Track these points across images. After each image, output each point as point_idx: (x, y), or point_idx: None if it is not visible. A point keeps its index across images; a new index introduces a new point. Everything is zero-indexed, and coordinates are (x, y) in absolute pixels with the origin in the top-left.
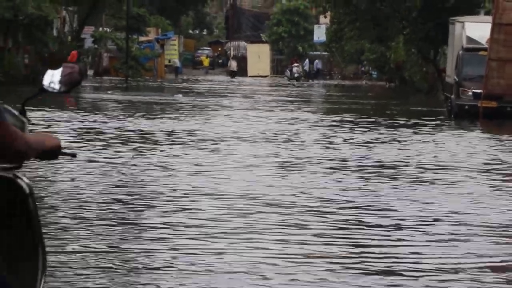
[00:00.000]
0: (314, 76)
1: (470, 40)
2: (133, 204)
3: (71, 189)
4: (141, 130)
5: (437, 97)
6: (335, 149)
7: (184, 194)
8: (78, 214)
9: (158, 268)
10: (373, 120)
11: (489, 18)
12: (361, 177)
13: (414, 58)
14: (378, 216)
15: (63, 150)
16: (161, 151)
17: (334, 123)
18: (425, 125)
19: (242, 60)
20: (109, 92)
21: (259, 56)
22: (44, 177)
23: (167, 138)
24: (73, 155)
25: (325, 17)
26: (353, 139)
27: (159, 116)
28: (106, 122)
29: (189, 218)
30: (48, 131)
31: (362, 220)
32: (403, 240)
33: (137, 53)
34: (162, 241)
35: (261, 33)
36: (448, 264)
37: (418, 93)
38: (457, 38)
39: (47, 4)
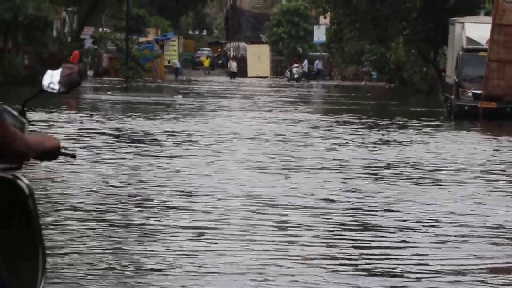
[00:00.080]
0: (315, 76)
1: (470, 40)
2: (133, 205)
3: (71, 190)
4: (141, 131)
5: (437, 98)
6: (336, 149)
7: (184, 194)
8: (78, 215)
9: (159, 270)
10: (373, 120)
11: (489, 19)
12: (362, 178)
13: (414, 58)
14: (379, 217)
15: (63, 151)
16: (161, 151)
17: (335, 124)
18: (425, 125)
19: (242, 61)
20: (108, 92)
21: (259, 57)
22: (44, 178)
23: (167, 139)
24: (73, 156)
25: (325, 17)
26: (353, 139)
27: (158, 117)
28: (105, 123)
29: (190, 219)
30: (48, 131)
31: (363, 221)
32: (405, 241)
33: (136, 54)
34: (162, 242)
35: (261, 33)
36: (450, 266)
37: (418, 94)
38: (457, 38)
39: (47, 5)
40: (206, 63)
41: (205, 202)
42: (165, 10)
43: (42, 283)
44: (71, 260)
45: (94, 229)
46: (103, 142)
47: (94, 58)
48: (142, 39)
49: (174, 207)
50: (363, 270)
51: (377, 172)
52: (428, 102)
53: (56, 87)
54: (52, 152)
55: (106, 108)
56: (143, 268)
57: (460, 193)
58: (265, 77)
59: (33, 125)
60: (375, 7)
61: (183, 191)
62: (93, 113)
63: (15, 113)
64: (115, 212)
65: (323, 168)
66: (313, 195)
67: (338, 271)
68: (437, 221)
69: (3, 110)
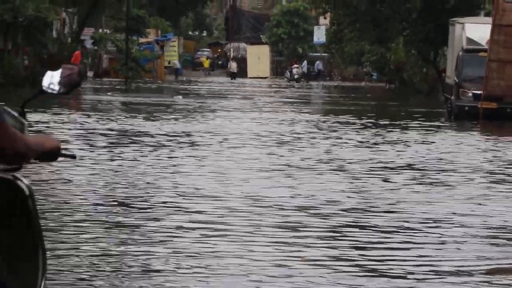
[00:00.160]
0: (315, 77)
1: (470, 41)
2: (134, 206)
3: (70, 191)
4: (141, 131)
5: (437, 98)
6: (336, 150)
7: (185, 195)
8: (78, 216)
9: (159, 271)
10: (373, 121)
11: (489, 19)
12: (362, 179)
13: (414, 59)
14: (380, 218)
15: (63, 152)
16: (161, 152)
17: (335, 124)
18: (425, 126)
19: (242, 62)
20: (109, 93)
21: (259, 58)
22: (44, 179)
23: (167, 140)
24: (73, 157)
25: (325, 18)
26: (353, 140)
27: (158, 118)
28: (105, 123)
29: (190, 220)
30: (47, 132)
31: (364, 222)
32: (407, 242)
33: (137, 55)
34: (163, 243)
35: (261, 34)
36: (451, 267)
37: (418, 94)
38: (457, 39)
39: (47, 6)
40: (206, 63)
41: (207, 203)
42: (165, 11)
43: (43, 283)
44: (72, 262)
45: (95, 230)
46: (103, 143)
47: (94, 59)
48: (142, 40)
49: (174, 208)
50: (365, 271)
51: (378, 172)
52: (428, 103)
53: (56, 87)
54: (52, 153)
55: (106, 109)
56: (146, 269)
57: (460, 194)
58: (265, 78)
59: (32, 125)
60: (375, 8)
61: (183, 192)
62: (93, 113)
63: (15, 113)
64: (117, 213)
65: (324, 168)
66: (314, 195)
67: (340, 272)
68: (439, 221)
69: (3, 111)
